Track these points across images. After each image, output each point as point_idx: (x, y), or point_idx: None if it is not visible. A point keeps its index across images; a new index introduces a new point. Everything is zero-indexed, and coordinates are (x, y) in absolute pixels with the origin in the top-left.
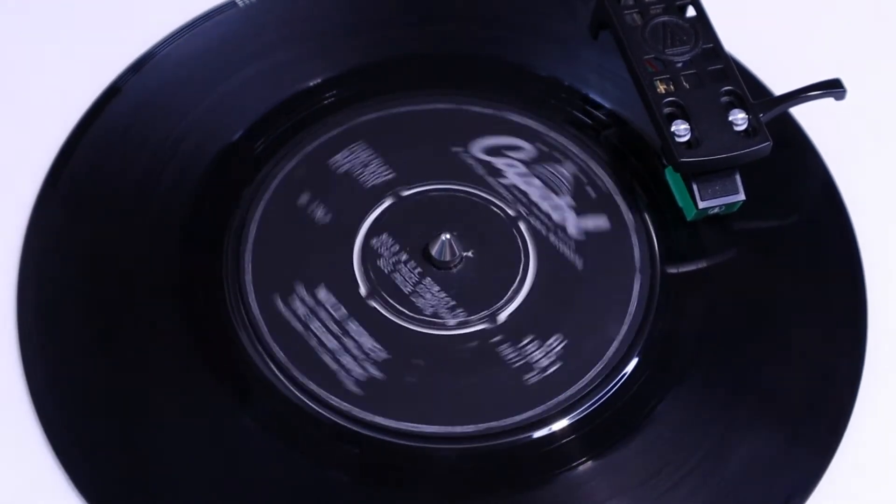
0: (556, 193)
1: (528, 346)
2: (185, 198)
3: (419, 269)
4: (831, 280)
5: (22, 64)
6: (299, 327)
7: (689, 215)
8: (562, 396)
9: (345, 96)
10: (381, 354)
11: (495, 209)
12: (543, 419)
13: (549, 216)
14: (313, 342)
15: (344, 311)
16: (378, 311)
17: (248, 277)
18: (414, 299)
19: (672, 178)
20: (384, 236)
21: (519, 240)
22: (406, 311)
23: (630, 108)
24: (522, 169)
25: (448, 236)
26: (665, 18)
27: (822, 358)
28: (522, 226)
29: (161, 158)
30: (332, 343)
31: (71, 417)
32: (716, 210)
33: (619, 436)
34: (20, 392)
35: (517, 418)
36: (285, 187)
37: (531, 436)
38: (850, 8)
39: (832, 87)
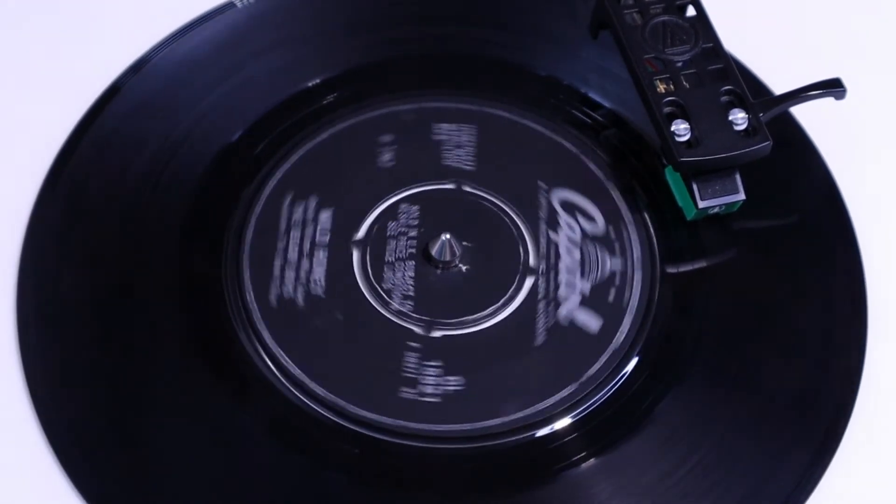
0: (582, 276)
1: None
2: (184, 198)
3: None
4: (831, 280)
5: (22, 64)
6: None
7: (689, 215)
8: (563, 395)
9: (344, 96)
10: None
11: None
12: (545, 418)
13: (556, 287)
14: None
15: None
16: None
17: (248, 277)
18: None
19: (672, 178)
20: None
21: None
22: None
23: (630, 108)
24: (576, 237)
25: (448, 236)
26: (665, 18)
27: (821, 358)
28: (528, 280)
29: (161, 158)
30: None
31: (71, 417)
32: (716, 210)
33: (619, 435)
34: (20, 392)
35: (518, 417)
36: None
37: (532, 435)
38: (850, 8)
39: (832, 87)
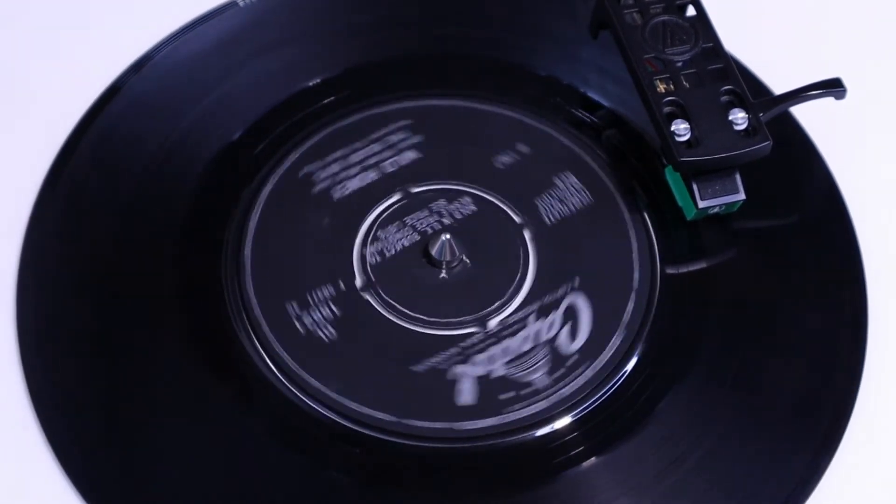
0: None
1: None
2: (185, 197)
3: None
4: (832, 280)
5: (22, 63)
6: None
7: (689, 215)
8: (563, 395)
9: (345, 96)
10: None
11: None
12: (545, 417)
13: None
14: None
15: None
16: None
17: (248, 277)
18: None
19: (672, 178)
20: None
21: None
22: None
23: (630, 108)
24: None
25: (448, 236)
26: (665, 18)
27: (822, 357)
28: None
29: (161, 158)
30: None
31: (71, 417)
32: (716, 210)
33: (619, 434)
34: (20, 392)
35: (518, 416)
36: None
37: (533, 434)
38: (850, 8)
39: (832, 87)
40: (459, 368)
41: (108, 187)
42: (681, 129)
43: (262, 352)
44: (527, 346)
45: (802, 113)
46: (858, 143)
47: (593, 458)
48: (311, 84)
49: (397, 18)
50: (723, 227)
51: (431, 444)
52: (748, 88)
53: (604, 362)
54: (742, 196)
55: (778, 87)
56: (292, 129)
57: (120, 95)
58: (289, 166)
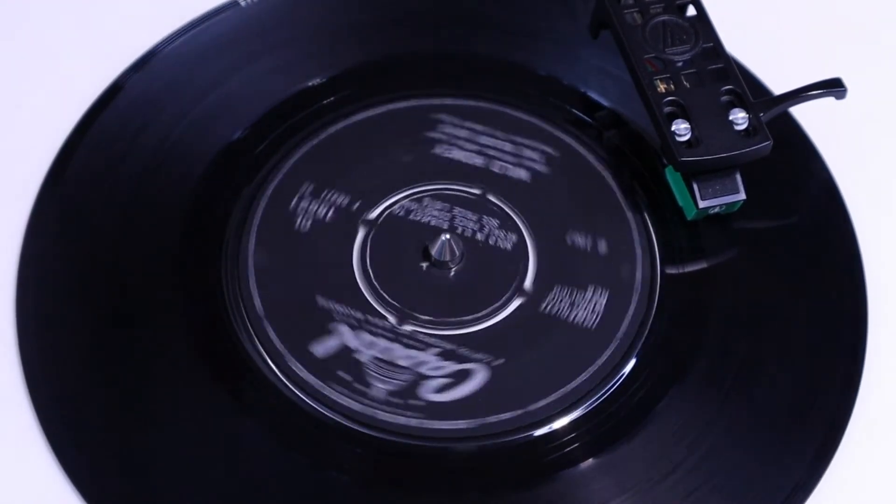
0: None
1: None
2: (185, 197)
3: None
4: (831, 280)
5: (23, 62)
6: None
7: (690, 215)
8: (562, 395)
9: (345, 96)
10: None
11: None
12: (543, 418)
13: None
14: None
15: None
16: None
17: (249, 277)
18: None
19: (672, 178)
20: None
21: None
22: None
23: (630, 108)
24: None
25: (448, 236)
26: (665, 18)
27: (822, 358)
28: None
29: (162, 157)
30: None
31: (71, 418)
32: (716, 209)
33: (618, 435)
34: (20, 392)
35: (517, 416)
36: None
37: (531, 434)
38: (850, 8)
39: (832, 87)
40: (343, 328)
41: (108, 186)
42: (681, 129)
43: (263, 351)
44: (401, 363)
45: (802, 113)
46: (858, 143)
47: (592, 459)
48: (311, 84)
49: (398, 18)
50: (723, 227)
51: (431, 444)
52: (748, 88)
53: (603, 362)
54: (742, 196)
55: (778, 87)
56: (293, 128)
57: (121, 94)
58: (289, 166)
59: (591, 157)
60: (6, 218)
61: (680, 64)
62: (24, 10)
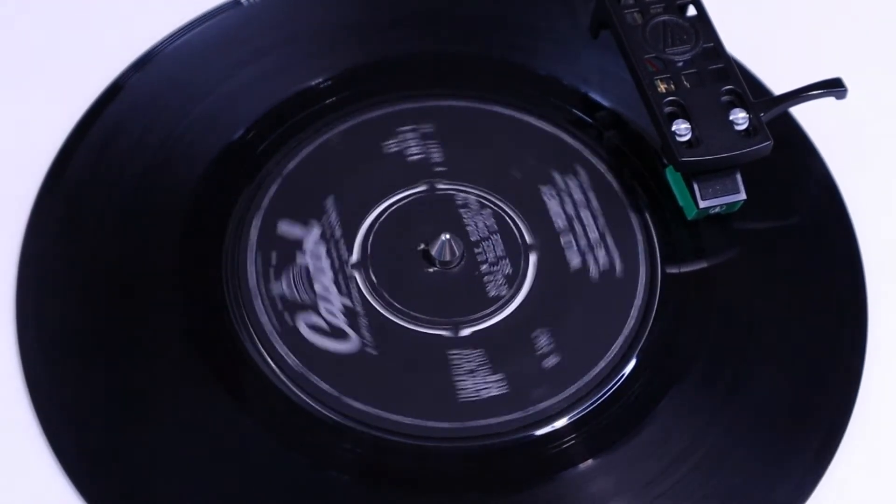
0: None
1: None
2: (186, 196)
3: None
4: (831, 280)
5: (24, 60)
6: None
7: (690, 215)
8: (562, 395)
9: (345, 96)
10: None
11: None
12: (544, 418)
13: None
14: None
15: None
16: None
17: (249, 277)
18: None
19: (672, 178)
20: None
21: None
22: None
23: (631, 108)
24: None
25: (448, 236)
26: (665, 18)
27: (822, 358)
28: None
29: (162, 156)
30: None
31: (71, 418)
32: (716, 209)
33: (618, 435)
34: (20, 392)
35: (518, 417)
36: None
37: (531, 435)
38: (851, 8)
39: (832, 87)
40: (315, 231)
41: (108, 186)
42: (681, 129)
43: (264, 351)
44: (315, 287)
45: (802, 113)
46: (858, 143)
47: (592, 459)
48: (313, 83)
49: (398, 19)
50: (723, 227)
51: (431, 444)
52: (748, 88)
53: (603, 363)
54: (743, 196)
55: (778, 87)
56: (294, 128)
57: (121, 94)
58: (290, 166)
59: (591, 158)
60: (6, 218)
61: (680, 64)
62: (25, 9)
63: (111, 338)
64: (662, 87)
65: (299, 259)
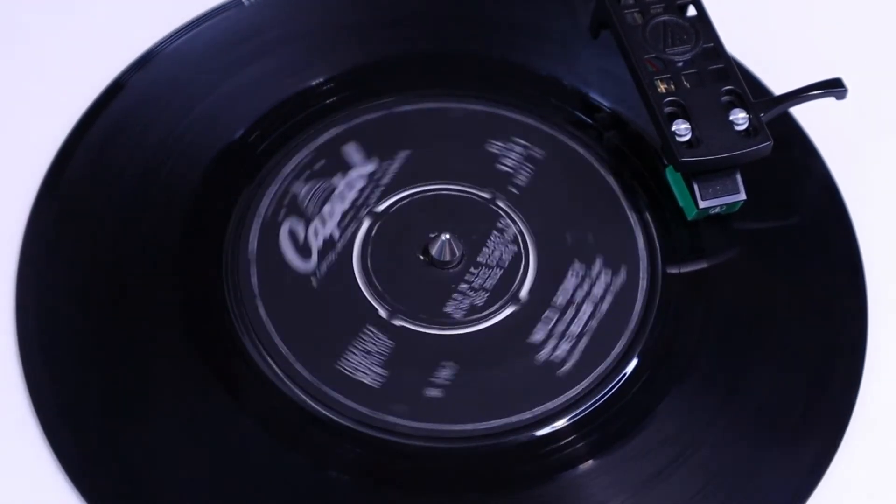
0: (333, 189)
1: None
2: (186, 196)
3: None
4: (832, 280)
5: (24, 59)
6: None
7: (690, 215)
8: (562, 396)
9: (344, 96)
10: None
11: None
12: (544, 418)
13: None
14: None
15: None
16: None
17: (250, 277)
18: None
19: (672, 178)
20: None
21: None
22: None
23: (631, 108)
24: (316, 225)
25: (448, 236)
26: (665, 18)
27: (822, 358)
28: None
29: (162, 156)
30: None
31: (71, 417)
32: (716, 210)
33: (619, 435)
34: (20, 392)
35: (518, 418)
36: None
37: (532, 435)
38: (850, 8)
39: (832, 87)
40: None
41: (109, 185)
42: (681, 129)
43: (264, 351)
44: (332, 208)
45: (802, 113)
46: (858, 143)
47: (593, 460)
48: (314, 83)
49: (398, 19)
50: (723, 227)
51: (431, 445)
52: (748, 88)
53: (604, 363)
54: (743, 196)
55: (778, 87)
56: (295, 127)
57: (122, 93)
58: (290, 166)
59: (591, 158)
60: (6, 218)
61: (680, 64)
62: (24, 8)
63: (111, 338)
64: (662, 88)
65: (336, 179)
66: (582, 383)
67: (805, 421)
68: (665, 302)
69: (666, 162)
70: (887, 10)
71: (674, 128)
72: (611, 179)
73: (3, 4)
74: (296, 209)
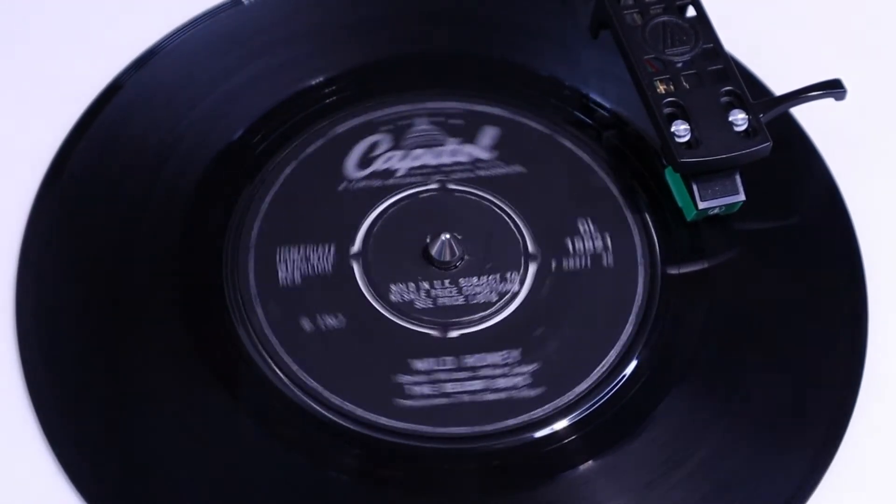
0: (441, 144)
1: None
2: (185, 196)
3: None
4: (832, 281)
5: (23, 60)
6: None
7: (689, 216)
8: (562, 397)
9: (344, 96)
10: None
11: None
12: (544, 420)
13: (458, 163)
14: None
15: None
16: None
17: (249, 277)
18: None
19: (672, 179)
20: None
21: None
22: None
23: (630, 108)
24: (398, 153)
25: (448, 236)
26: (665, 18)
27: (822, 358)
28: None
29: (162, 156)
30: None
31: (71, 417)
32: (716, 210)
33: (619, 436)
34: (20, 392)
35: (518, 419)
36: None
37: (532, 436)
38: (850, 8)
39: (832, 88)
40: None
41: (108, 186)
42: (681, 129)
43: (264, 352)
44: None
45: (802, 113)
46: (858, 143)
47: (593, 461)
48: (314, 83)
49: (399, 18)
50: (723, 228)
51: (431, 445)
52: (748, 89)
53: (603, 364)
54: (742, 197)
55: (778, 87)
56: (294, 128)
57: (121, 93)
58: (290, 166)
59: (591, 158)
60: (6, 218)
61: (680, 65)
62: (24, 8)
63: (111, 337)
64: (662, 88)
65: (452, 141)
66: (582, 384)
67: (805, 421)
68: (665, 302)
69: (665, 162)
70: (887, 11)
71: (673, 128)
72: (610, 180)
73: (2, 5)
74: (400, 131)
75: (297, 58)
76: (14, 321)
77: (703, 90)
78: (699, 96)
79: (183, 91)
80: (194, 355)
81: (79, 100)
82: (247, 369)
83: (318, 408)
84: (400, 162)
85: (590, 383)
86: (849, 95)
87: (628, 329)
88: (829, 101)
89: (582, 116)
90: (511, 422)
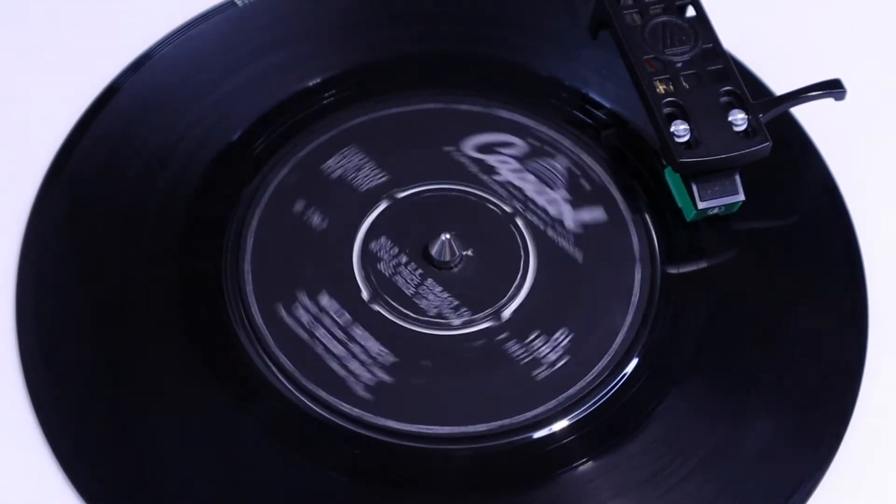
0: (551, 188)
1: (534, 343)
2: (185, 197)
3: (420, 271)
4: (832, 280)
5: (22, 63)
6: (304, 335)
7: (689, 216)
8: (562, 397)
9: (344, 96)
10: (389, 358)
11: (491, 206)
12: (544, 419)
13: (545, 210)
14: (319, 349)
15: (348, 316)
16: (382, 314)
17: (249, 278)
18: (417, 301)
19: (672, 179)
20: (382, 239)
21: (518, 236)
22: (410, 314)
23: (630, 108)
24: (515, 165)
25: (447, 236)
26: (665, 18)
27: (822, 358)
28: (520, 222)
29: (161, 158)
30: (338, 349)
31: (71, 417)
32: (715, 210)
33: (619, 436)
34: (20, 392)
35: (518, 419)
36: (281, 192)
37: (531, 436)
38: (851, 8)
39: (832, 88)
40: (570, 224)
41: (107, 187)
42: (680, 129)
43: (263, 353)
44: (527, 175)
45: (802, 113)
46: (858, 143)
47: (593, 460)
48: (311, 83)
49: (398, 18)
50: (723, 228)
51: (431, 446)
52: (748, 89)
53: (604, 364)
54: (742, 197)
55: (778, 87)
56: (293, 128)
57: (119, 95)
58: (290, 166)
59: (590, 158)
60: (6, 218)
61: (679, 65)
62: (23, 10)
63: (111, 338)
64: (661, 88)
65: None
66: (582, 383)
67: (805, 421)
68: (665, 302)
69: (665, 162)
70: (887, 11)
71: (672, 128)
72: (610, 179)
73: (2, 6)
74: (538, 152)
75: (297, 58)
76: (14, 321)
77: (702, 90)
78: (699, 96)
79: (183, 91)
80: (194, 356)
81: (79, 101)
82: (246, 370)
83: (317, 408)
84: (509, 171)
85: (590, 383)
86: (849, 95)
87: (628, 329)
88: (829, 101)
89: (582, 116)
90: (511, 421)
